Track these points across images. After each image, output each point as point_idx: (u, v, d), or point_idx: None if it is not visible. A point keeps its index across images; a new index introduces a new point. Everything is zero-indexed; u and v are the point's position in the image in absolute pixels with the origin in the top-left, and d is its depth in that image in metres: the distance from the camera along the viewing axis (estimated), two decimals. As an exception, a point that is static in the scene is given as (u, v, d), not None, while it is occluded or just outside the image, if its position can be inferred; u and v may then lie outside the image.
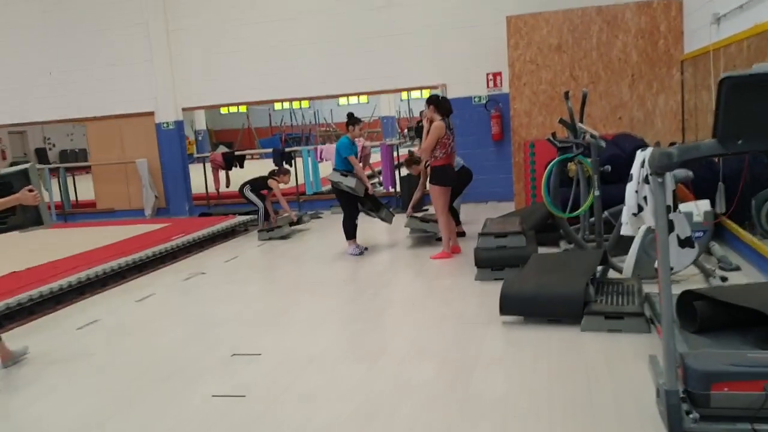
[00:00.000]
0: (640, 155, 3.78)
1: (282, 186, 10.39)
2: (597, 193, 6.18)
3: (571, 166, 7.41)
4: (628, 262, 5.83)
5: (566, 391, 3.89)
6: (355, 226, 8.35)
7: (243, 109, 33.66)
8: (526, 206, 9.37)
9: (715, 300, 4.15)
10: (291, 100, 15.00)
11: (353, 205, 8.27)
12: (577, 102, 7.96)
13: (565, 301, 4.87)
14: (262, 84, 12.71)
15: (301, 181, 12.77)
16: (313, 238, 10.02)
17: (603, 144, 6.22)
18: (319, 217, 11.93)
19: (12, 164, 6.42)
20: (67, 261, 8.14)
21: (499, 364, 4.45)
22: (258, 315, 6.06)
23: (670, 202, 3.52)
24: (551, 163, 6.69)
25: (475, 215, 10.41)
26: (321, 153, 12.24)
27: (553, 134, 6.93)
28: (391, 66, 12.09)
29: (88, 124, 13.78)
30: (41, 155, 28.96)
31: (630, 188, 3.82)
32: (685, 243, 3.65)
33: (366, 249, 8.24)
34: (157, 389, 4.43)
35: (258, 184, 10.51)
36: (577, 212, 6.90)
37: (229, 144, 29.73)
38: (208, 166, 13.64)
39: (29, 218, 4.96)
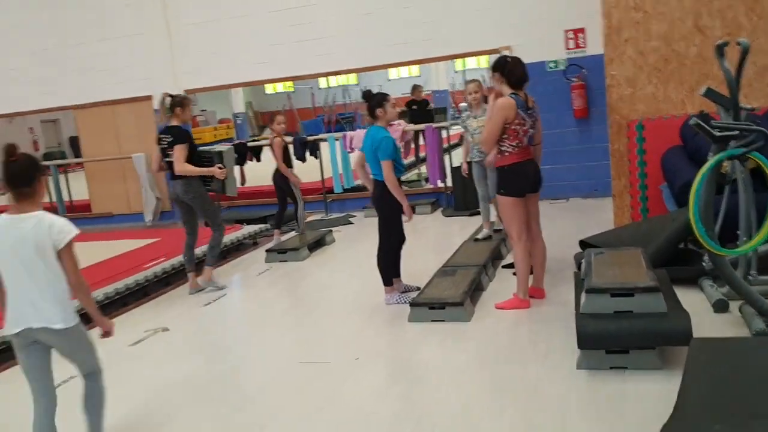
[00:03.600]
0: None
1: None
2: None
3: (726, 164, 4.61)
4: None
5: None
6: (398, 260, 5.61)
7: (290, 87, 31.30)
8: (633, 221, 6.56)
9: None
10: (315, 76, 12.42)
11: (399, 226, 5.48)
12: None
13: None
14: (279, 57, 10.21)
15: (327, 175, 10.20)
16: (336, 261, 7.45)
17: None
18: (350, 223, 9.36)
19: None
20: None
21: None
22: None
23: None
24: (705, 167, 3.92)
25: (552, 220, 7.64)
26: (350, 141, 9.64)
27: (703, 114, 4.14)
28: (439, 26, 9.40)
29: (77, 112, 11.51)
30: (75, 145, 27.19)
31: None
32: None
33: (418, 288, 5.55)
34: None
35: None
36: (748, 247, 4.12)
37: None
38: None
39: (219, 187, 6.55)
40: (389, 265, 5.53)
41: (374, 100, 5.40)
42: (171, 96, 6.49)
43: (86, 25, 10.92)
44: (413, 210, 8.70)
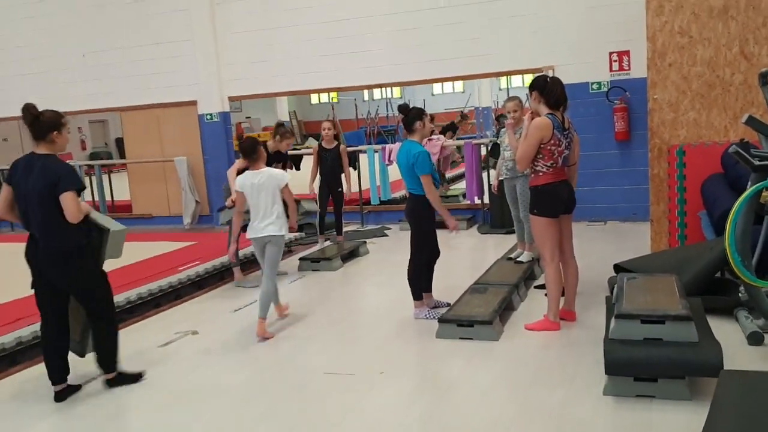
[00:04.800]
0: None
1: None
2: None
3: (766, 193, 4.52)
4: None
5: None
6: (431, 275, 5.64)
7: (334, 98, 31.64)
8: (670, 247, 6.45)
9: None
10: (360, 88, 12.51)
11: (432, 240, 5.53)
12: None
13: None
14: (324, 68, 10.29)
15: (365, 186, 10.26)
16: (368, 272, 7.48)
17: None
18: (385, 235, 9.38)
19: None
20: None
21: None
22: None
23: None
24: (743, 196, 3.85)
25: (589, 243, 7.57)
26: (389, 154, 9.68)
27: (744, 143, 4.08)
28: (484, 43, 9.40)
29: (123, 114, 11.78)
30: (120, 146, 27.80)
31: None
32: None
33: (448, 305, 5.55)
34: None
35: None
36: (787, 280, 4.03)
37: (317, 136, 27.60)
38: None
39: None
40: (420, 280, 5.54)
41: (413, 113, 5.42)
42: (280, 124, 7.33)
43: (136, 29, 11.17)
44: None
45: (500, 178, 7.02)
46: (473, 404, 3.91)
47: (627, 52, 8.78)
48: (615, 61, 8.86)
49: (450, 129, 12.97)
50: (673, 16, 6.68)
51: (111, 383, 4.47)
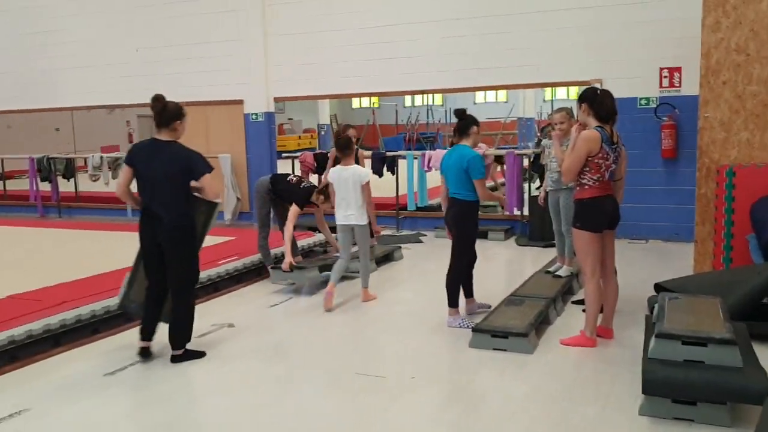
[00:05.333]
0: None
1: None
2: None
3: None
4: None
5: None
6: (470, 279, 5.69)
7: (375, 103, 31.78)
8: (714, 269, 6.30)
9: None
10: (403, 94, 12.53)
11: (472, 246, 5.56)
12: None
13: None
14: (368, 73, 10.35)
15: (402, 191, 10.25)
16: (402, 277, 7.44)
17: None
18: (420, 241, 9.36)
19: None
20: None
21: None
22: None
23: None
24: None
25: (629, 261, 7.43)
26: (429, 160, 9.66)
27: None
28: (531, 53, 9.34)
29: (172, 110, 11.95)
30: (167, 140, 28.17)
31: None
32: None
33: (489, 307, 5.60)
34: None
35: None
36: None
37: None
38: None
39: None
40: (458, 287, 5.51)
41: (470, 118, 5.49)
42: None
43: (188, 27, 11.37)
44: (485, 236, 8.71)
45: (547, 190, 6.90)
46: (505, 417, 3.85)
47: (678, 69, 8.63)
48: (665, 77, 8.71)
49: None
50: (731, 33, 6.54)
51: (176, 359, 4.78)
